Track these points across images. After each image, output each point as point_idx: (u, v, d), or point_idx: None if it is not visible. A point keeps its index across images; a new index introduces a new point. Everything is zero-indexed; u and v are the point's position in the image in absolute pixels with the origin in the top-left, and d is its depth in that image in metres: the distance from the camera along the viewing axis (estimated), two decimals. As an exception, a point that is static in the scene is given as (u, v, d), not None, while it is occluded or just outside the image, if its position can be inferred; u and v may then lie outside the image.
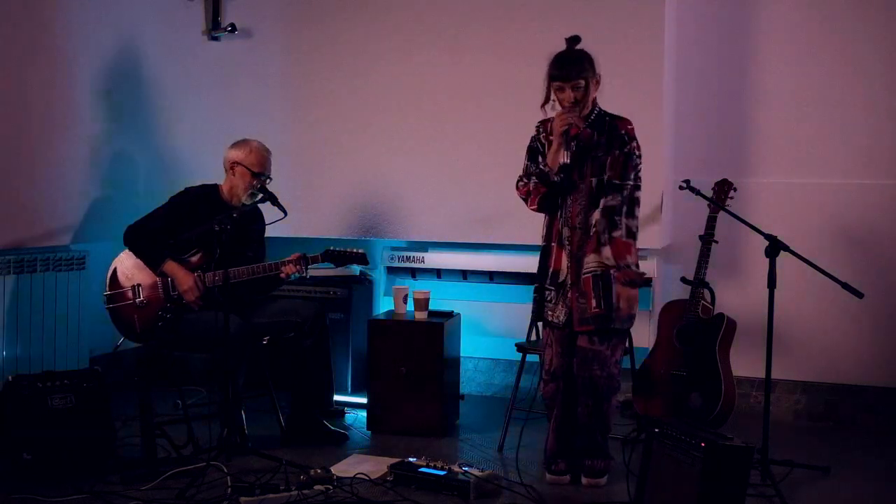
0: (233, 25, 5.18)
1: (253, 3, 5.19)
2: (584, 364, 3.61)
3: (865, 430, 4.56)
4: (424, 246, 5.15)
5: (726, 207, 4.05)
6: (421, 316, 4.46)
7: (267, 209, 4.27)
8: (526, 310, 4.48)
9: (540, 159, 3.62)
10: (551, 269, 3.64)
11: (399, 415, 4.37)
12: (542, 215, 3.71)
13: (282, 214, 4.13)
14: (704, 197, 4.05)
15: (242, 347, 4.03)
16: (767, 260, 3.69)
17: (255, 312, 4.21)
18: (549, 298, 3.65)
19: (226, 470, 3.56)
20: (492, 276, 5.02)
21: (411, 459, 3.66)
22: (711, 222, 4.17)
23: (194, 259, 4.16)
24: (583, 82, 3.50)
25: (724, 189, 4.19)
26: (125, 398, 4.32)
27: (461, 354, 4.75)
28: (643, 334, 4.66)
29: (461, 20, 4.81)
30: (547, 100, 3.59)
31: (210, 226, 3.92)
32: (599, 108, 3.63)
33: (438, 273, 5.13)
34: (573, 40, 3.56)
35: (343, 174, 5.04)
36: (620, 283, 3.53)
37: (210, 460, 3.64)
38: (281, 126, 5.10)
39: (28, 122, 4.49)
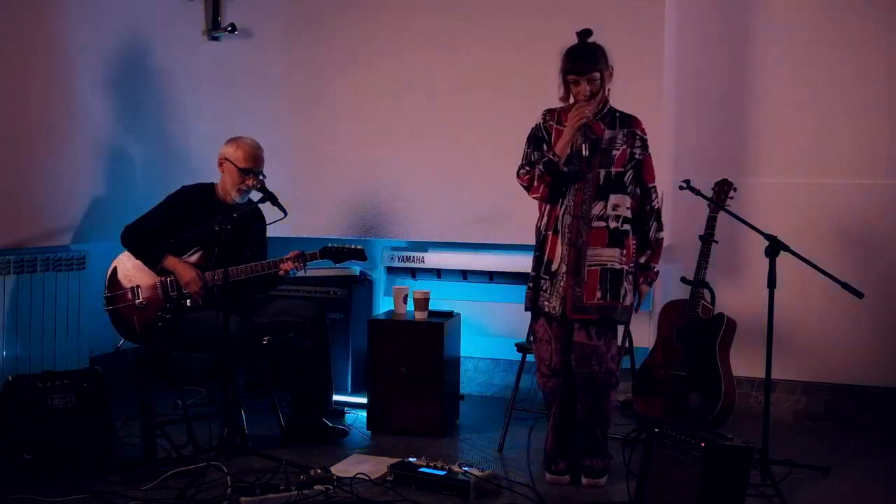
0: (233, 25, 5.18)
1: (253, 3, 5.19)
2: (583, 360, 3.61)
3: (865, 430, 4.56)
4: (424, 246, 5.15)
5: (726, 207, 4.05)
6: (421, 316, 4.46)
7: (267, 209, 4.27)
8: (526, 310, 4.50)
9: (545, 148, 3.61)
10: (546, 258, 3.64)
11: (399, 415, 4.37)
12: (537, 212, 3.72)
13: (282, 214, 4.13)
14: (704, 197, 4.05)
15: (242, 347, 4.03)
16: (767, 260, 3.69)
17: (255, 312, 4.21)
18: (544, 288, 3.65)
19: (226, 470, 3.56)
20: (492, 276, 5.02)
21: (411, 459, 3.66)
22: (711, 222, 4.17)
23: (193, 259, 4.16)
24: (598, 75, 3.51)
25: (724, 189, 4.19)
26: (125, 398, 4.32)
27: (461, 354, 4.75)
28: (643, 334, 4.66)
29: (461, 20, 4.81)
30: (566, 95, 3.59)
31: (210, 226, 3.92)
32: (611, 105, 3.64)
33: (438, 273, 5.13)
34: (585, 33, 3.57)
35: (343, 174, 5.04)
36: (645, 284, 3.68)
37: (210, 460, 3.64)
38: (281, 126, 5.10)
39: (28, 122, 4.49)
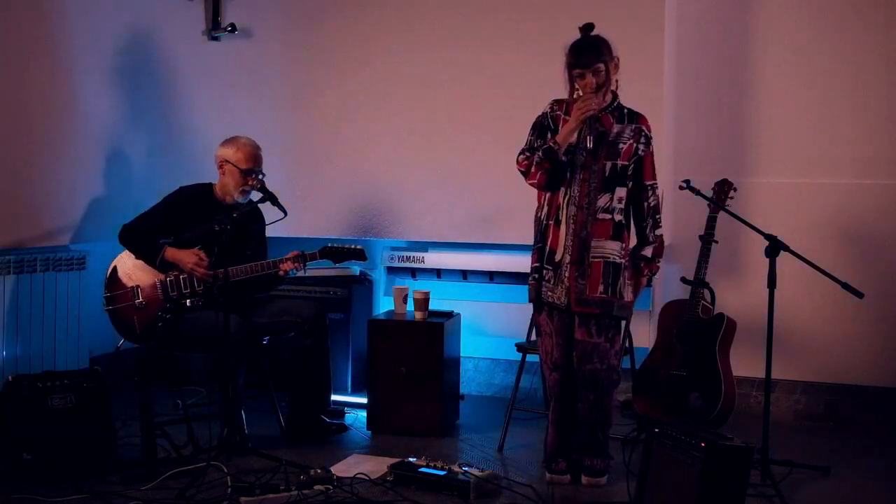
0: (233, 25, 5.18)
1: (253, 3, 5.19)
2: (584, 357, 3.61)
3: (865, 430, 4.56)
4: (424, 246, 5.15)
5: (726, 207, 4.05)
6: (421, 316, 4.46)
7: (267, 209, 4.27)
8: (526, 310, 4.49)
9: (549, 136, 3.61)
10: (548, 249, 3.64)
11: (399, 415, 4.37)
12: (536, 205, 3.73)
13: (282, 214, 4.13)
14: (704, 197, 4.05)
15: (242, 347, 4.03)
16: (767, 260, 3.69)
17: (255, 312, 4.21)
18: (546, 279, 3.65)
19: (226, 470, 3.56)
20: (492, 276, 5.02)
21: (411, 459, 3.66)
22: (711, 222, 4.17)
23: (193, 259, 4.17)
24: (602, 66, 3.52)
25: (724, 189, 4.19)
26: (125, 398, 4.32)
27: (461, 354, 4.75)
28: (643, 334, 4.66)
29: (461, 20, 4.81)
30: (573, 91, 3.59)
31: (210, 226, 3.92)
32: (619, 101, 3.65)
33: (438, 273, 5.13)
34: (587, 27, 3.58)
35: (343, 174, 5.04)
36: (647, 276, 3.69)
37: (210, 460, 3.64)
38: (281, 126, 5.10)
39: (28, 122, 4.49)
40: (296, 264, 4.15)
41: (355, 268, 4.98)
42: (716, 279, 4.39)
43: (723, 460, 2.97)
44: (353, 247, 4.23)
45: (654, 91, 4.48)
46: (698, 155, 4.81)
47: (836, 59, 4.65)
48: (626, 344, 4.22)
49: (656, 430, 3.21)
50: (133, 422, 4.12)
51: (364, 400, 4.52)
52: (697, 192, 4.03)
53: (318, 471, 3.50)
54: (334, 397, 4.61)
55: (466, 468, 3.54)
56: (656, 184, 3.68)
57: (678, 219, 4.78)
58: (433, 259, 5.09)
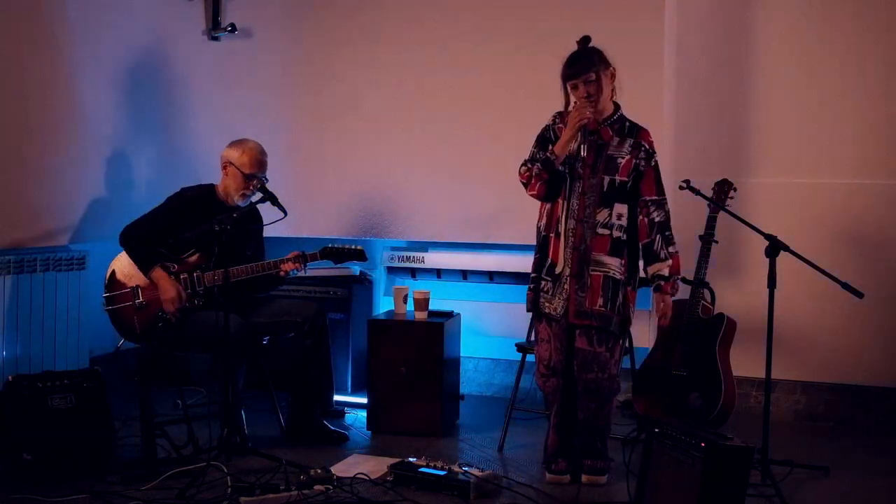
0: (233, 25, 5.18)
1: (253, 3, 5.19)
2: (585, 367, 3.61)
3: (865, 430, 4.56)
4: (424, 246, 5.15)
5: (726, 207, 4.05)
6: (421, 316, 4.46)
7: (267, 209, 4.27)
8: (526, 310, 4.49)
9: (550, 147, 3.62)
10: (549, 261, 3.65)
11: (399, 415, 4.37)
12: (536, 212, 3.73)
13: (282, 214, 4.13)
14: (704, 197, 4.05)
15: (242, 347, 4.03)
16: (767, 260, 3.69)
17: (255, 312, 4.21)
18: (545, 290, 3.65)
19: (226, 470, 3.56)
20: (492, 276, 5.03)
21: (411, 459, 3.66)
22: (711, 222, 4.17)
23: (192, 259, 4.16)
24: (594, 76, 3.52)
25: (724, 189, 4.19)
26: (125, 398, 4.32)
27: (461, 354, 4.75)
28: (643, 334, 4.66)
29: (462, 21, 4.81)
30: (568, 103, 3.61)
31: (210, 226, 3.92)
32: (622, 113, 3.65)
33: (438, 273, 5.13)
34: (584, 41, 3.59)
35: (343, 174, 5.04)
36: (668, 294, 3.61)
37: (210, 460, 3.64)
38: (281, 126, 5.10)
39: (27, 122, 4.49)
40: (296, 265, 4.15)
41: (355, 268, 4.98)
42: (716, 279, 4.39)
43: (723, 460, 2.97)
44: (353, 247, 4.23)
45: (654, 91, 4.48)
46: (698, 155, 4.81)
47: (836, 59, 4.65)
48: (626, 344, 4.22)
49: (656, 430, 3.21)
50: (133, 422, 4.12)
51: (364, 400, 4.52)
52: (697, 192, 4.03)
53: (318, 471, 3.50)
54: (335, 397, 4.61)
55: (466, 468, 3.54)
56: (663, 199, 3.62)
57: (678, 219, 4.75)
58: (433, 259, 5.10)
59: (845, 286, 3.65)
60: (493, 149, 4.72)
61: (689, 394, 4.07)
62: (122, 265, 4.19)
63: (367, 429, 4.42)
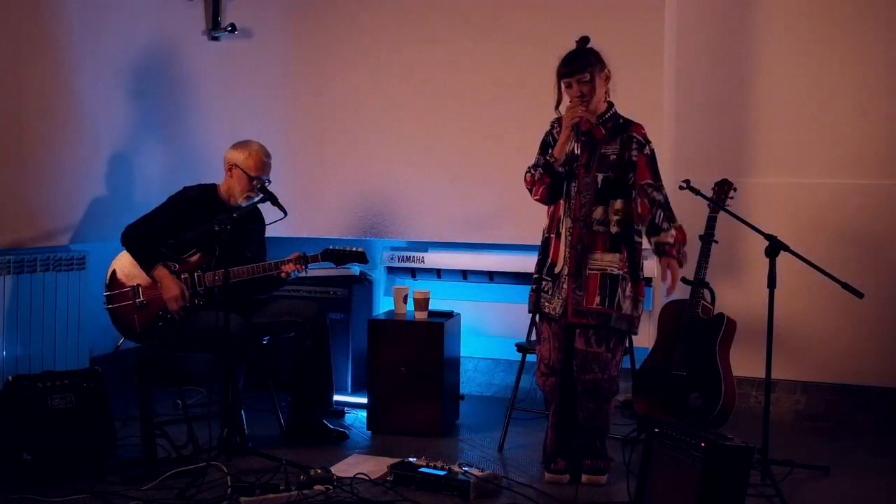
0: (233, 25, 5.18)
1: (253, 3, 5.19)
2: (584, 367, 3.61)
3: (865, 430, 4.56)
4: (424, 246, 5.15)
5: (726, 207, 4.05)
6: (421, 316, 4.46)
7: (267, 209, 4.27)
8: (526, 310, 4.49)
9: (550, 151, 3.63)
10: (549, 261, 3.66)
11: (399, 415, 4.37)
12: (543, 213, 3.73)
13: (282, 214, 4.13)
14: (704, 197, 4.05)
15: (243, 347, 4.03)
16: (767, 260, 3.69)
17: (256, 312, 4.21)
18: (545, 290, 3.66)
19: (226, 470, 3.56)
20: (492, 276, 5.03)
21: (411, 459, 3.66)
22: (711, 222, 4.17)
23: (193, 259, 4.16)
24: (588, 76, 3.53)
25: (724, 189, 4.19)
26: (125, 398, 4.32)
27: (461, 354, 4.75)
28: (643, 334, 4.65)
29: (462, 21, 4.81)
30: (559, 101, 3.62)
31: (210, 226, 3.92)
32: (615, 110, 3.65)
33: (438, 273, 5.13)
34: (582, 41, 3.61)
35: (343, 174, 5.04)
36: (674, 259, 3.54)
37: (210, 460, 3.64)
38: (281, 126, 5.10)
39: (28, 122, 4.49)
40: (297, 266, 4.15)
41: (355, 268, 4.99)
42: (716, 279, 4.39)
43: (723, 460, 2.97)
44: (354, 249, 4.24)
45: (653, 91, 4.49)
46: (698, 155, 4.81)
47: (837, 58, 4.65)
48: (626, 344, 4.22)
49: (656, 430, 3.21)
50: (133, 422, 4.12)
51: (364, 400, 4.52)
52: (697, 192, 4.03)
53: (318, 471, 3.50)
54: (335, 397, 4.61)
55: (466, 468, 3.54)
56: (660, 184, 3.62)
57: (678, 219, 4.77)
58: (433, 259, 5.10)
59: (845, 286, 3.65)
60: (493, 149, 4.72)
61: (689, 394, 4.07)
62: (123, 264, 4.19)
63: (367, 429, 4.42)
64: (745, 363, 4.39)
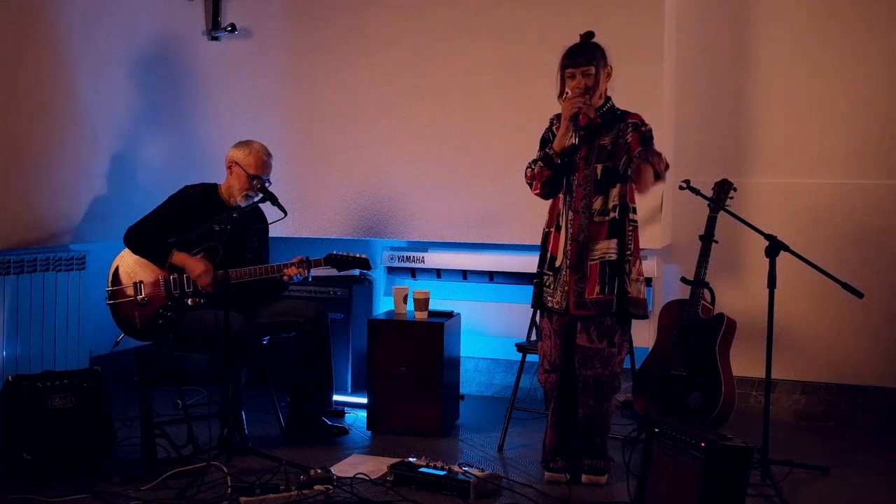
0: (233, 25, 5.18)
1: (253, 3, 5.19)
2: (585, 363, 3.61)
3: (865, 430, 4.56)
4: (424, 246, 5.15)
5: (726, 207, 4.04)
6: (421, 316, 4.46)
7: (267, 209, 4.27)
8: (526, 310, 4.50)
9: (549, 145, 3.63)
10: (549, 255, 3.66)
11: (399, 415, 4.37)
12: (543, 213, 3.73)
13: (281, 214, 4.13)
14: (704, 197, 4.05)
15: (246, 346, 4.03)
16: (767, 260, 3.69)
17: (257, 312, 4.21)
18: (547, 284, 3.66)
19: (226, 470, 3.56)
20: (492, 276, 5.03)
21: (411, 459, 3.67)
22: (711, 222, 4.17)
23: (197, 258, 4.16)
24: (593, 69, 3.54)
25: (724, 189, 4.19)
26: (125, 398, 4.32)
27: (461, 354, 4.75)
28: (643, 334, 4.66)
29: (462, 21, 4.81)
30: (562, 92, 3.62)
31: (210, 226, 3.92)
32: (612, 103, 3.66)
33: (438, 273, 5.13)
34: (587, 35, 3.62)
35: (343, 174, 5.04)
36: (650, 162, 3.44)
37: (210, 460, 3.64)
38: (281, 125, 5.10)
39: (28, 122, 4.49)
40: (300, 270, 4.15)
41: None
42: (716, 279, 4.39)
43: (723, 460, 2.97)
44: (357, 255, 4.25)
45: (654, 91, 4.49)
46: (698, 155, 4.81)
47: (837, 58, 4.65)
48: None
49: (656, 430, 3.21)
50: (133, 422, 4.13)
51: (364, 400, 4.52)
52: (697, 193, 4.03)
53: (318, 471, 3.50)
54: (334, 397, 4.61)
55: (466, 468, 3.54)
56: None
57: (678, 219, 4.78)
58: (433, 259, 5.10)
59: (845, 286, 3.65)
60: (493, 148, 4.72)
61: (689, 394, 4.07)
62: (126, 262, 4.19)
63: (367, 429, 4.42)
64: (745, 363, 4.39)
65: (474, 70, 4.79)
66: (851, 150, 4.65)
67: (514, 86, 4.68)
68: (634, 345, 4.40)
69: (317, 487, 3.41)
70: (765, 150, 4.78)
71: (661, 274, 4.82)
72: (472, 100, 4.80)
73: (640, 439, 3.85)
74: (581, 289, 3.58)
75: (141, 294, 4.13)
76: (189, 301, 4.14)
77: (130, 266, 4.17)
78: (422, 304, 4.46)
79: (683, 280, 4.25)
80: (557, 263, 3.64)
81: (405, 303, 4.55)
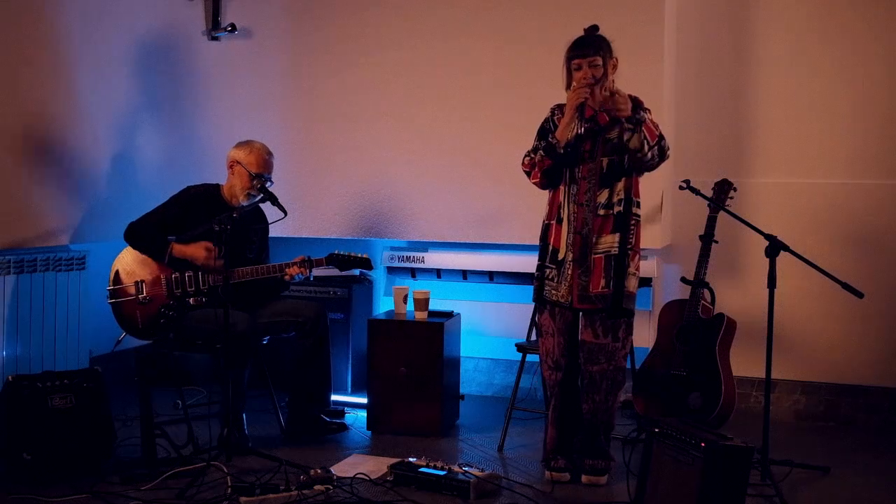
0: (233, 25, 5.18)
1: (253, 3, 5.19)
2: (591, 358, 3.61)
3: (865, 430, 4.56)
4: (424, 246, 5.15)
5: (726, 207, 4.05)
6: (421, 316, 4.46)
7: (267, 209, 4.27)
8: (526, 310, 4.50)
9: (551, 134, 3.62)
10: (551, 247, 3.65)
11: (399, 415, 4.37)
12: (543, 213, 3.73)
13: (281, 214, 4.13)
14: (704, 197, 4.05)
15: (249, 345, 4.03)
16: (767, 260, 3.69)
17: (257, 312, 4.21)
18: (550, 277, 3.65)
19: (226, 470, 3.56)
20: (492, 276, 5.03)
21: (411, 459, 3.67)
22: (711, 222, 4.17)
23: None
24: (600, 59, 3.53)
25: (724, 189, 4.19)
26: (125, 398, 4.32)
27: (461, 354, 4.75)
28: (643, 334, 4.66)
29: (462, 21, 4.81)
30: (569, 84, 3.61)
31: (210, 225, 3.92)
32: None
33: (438, 273, 5.13)
34: (592, 29, 3.62)
35: (343, 174, 5.04)
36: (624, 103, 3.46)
37: (210, 460, 3.64)
38: (281, 125, 5.10)
39: (28, 121, 4.49)
40: (302, 269, 4.15)
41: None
42: (716, 279, 4.39)
43: (723, 460, 2.97)
44: (359, 255, 4.25)
45: (653, 91, 4.47)
46: (698, 155, 4.81)
47: (836, 58, 4.65)
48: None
49: (656, 430, 3.21)
50: (133, 422, 4.13)
51: (364, 400, 4.52)
52: (697, 193, 4.03)
53: (318, 471, 3.50)
54: (334, 397, 4.62)
55: (466, 468, 3.54)
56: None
57: (678, 218, 4.78)
58: (433, 259, 5.10)
59: (845, 286, 3.65)
60: (493, 148, 4.72)
61: (689, 394, 4.07)
62: (125, 263, 4.19)
63: (367, 429, 4.42)
64: (745, 363, 4.39)
65: (474, 70, 4.79)
66: (852, 149, 4.65)
67: (514, 86, 4.68)
68: (634, 345, 4.39)
69: (317, 487, 3.41)
70: (765, 150, 4.78)
71: (661, 274, 4.82)
72: (472, 100, 4.80)
73: (640, 439, 3.85)
74: (585, 282, 3.57)
75: (142, 293, 4.14)
76: (191, 300, 4.14)
77: (130, 266, 4.18)
78: (422, 304, 4.46)
79: (683, 280, 4.25)
80: (560, 256, 3.62)
81: (405, 303, 4.55)
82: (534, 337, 4.37)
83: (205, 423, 4.05)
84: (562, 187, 3.63)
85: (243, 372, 4.08)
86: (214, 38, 5.26)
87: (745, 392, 4.70)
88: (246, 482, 3.44)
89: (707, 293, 4.20)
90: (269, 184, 4.24)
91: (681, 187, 4.08)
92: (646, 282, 4.64)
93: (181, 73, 5.31)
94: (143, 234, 4.15)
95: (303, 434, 4.23)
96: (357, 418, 4.62)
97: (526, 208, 4.52)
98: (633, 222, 3.60)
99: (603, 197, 3.58)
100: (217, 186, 4.32)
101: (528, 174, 3.66)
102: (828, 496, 3.64)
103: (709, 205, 4.13)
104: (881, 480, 3.83)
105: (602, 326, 3.60)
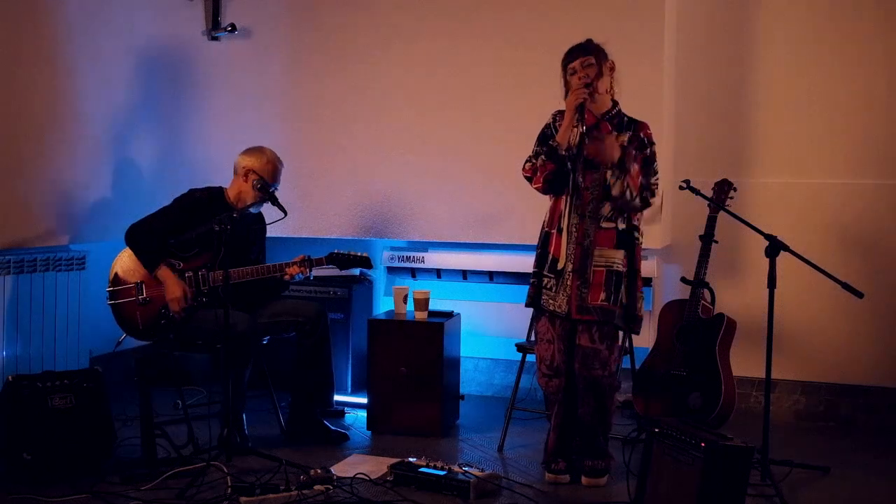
0: (233, 25, 5.18)
1: (253, 3, 5.19)
2: (586, 363, 3.61)
3: (865, 430, 4.56)
4: (424, 246, 5.15)
5: (726, 207, 4.05)
6: (421, 316, 4.46)
7: (267, 209, 4.27)
8: (526, 310, 4.49)
9: (553, 138, 3.62)
10: (550, 257, 3.65)
11: (399, 415, 4.37)
12: (543, 213, 3.73)
13: (282, 214, 4.13)
14: (704, 197, 4.05)
15: (250, 345, 4.03)
16: (767, 260, 3.69)
17: (258, 312, 4.21)
18: (548, 286, 3.65)
19: (226, 470, 3.56)
20: (492, 276, 5.03)
21: (411, 459, 3.67)
22: (711, 222, 4.17)
23: (199, 258, 4.16)
24: (593, 59, 3.55)
25: (724, 189, 4.19)
26: (125, 398, 4.32)
27: (461, 354, 4.75)
28: (643, 334, 4.65)
29: (462, 21, 4.81)
30: (567, 93, 3.61)
31: (210, 226, 3.92)
32: (620, 108, 3.66)
33: (438, 273, 5.13)
34: (585, 41, 3.63)
35: (343, 174, 5.04)
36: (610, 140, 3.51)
37: (210, 460, 3.64)
38: (281, 126, 5.10)
39: (28, 122, 4.49)
40: (302, 269, 4.14)
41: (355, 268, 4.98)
42: (716, 279, 4.39)
43: (723, 460, 2.97)
44: (359, 254, 4.25)
45: (654, 91, 4.48)
46: (698, 155, 4.81)
47: (836, 58, 4.65)
48: (626, 344, 4.23)
49: (656, 430, 3.21)
50: (133, 422, 4.13)
51: (364, 400, 4.52)
52: (697, 193, 4.03)
53: (318, 471, 3.50)
54: (336, 397, 4.61)
55: (466, 468, 3.54)
56: (650, 184, 3.62)
57: (678, 219, 4.78)
58: (433, 259, 5.10)
59: (845, 286, 3.65)
60: (493, 149, 4.72)
61: (689, 394, 4.07)
62: (124, 264, 4.18)
63: (367, 429, 4.42)
64: (745, 363, 4.39)
65: (475, 70, 4.79)
66: (852, 150, 4.65)
67: (514, 86, 4.68)
68: (634, 345, 4.40)
69: (317, 487, 3.41)
70: (765, 150, 4.78)
71: (661, 274, 4.82)
72: (472, 100, 4.80)
73: (640, 439, 3.86)
74: (584, 294, 3.58)
75: (142, 294, 4.13)
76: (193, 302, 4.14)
77: (129, 267, 4.17)
78: (422, 304, 4.46)
79: (683, 280, 4.25)
80: (560, 266, 3.62)
81: (405, 303, 4.55)
82: (533, 337, 4.37)
83: (205, 423, 4.05)
84: (563, 197, 3.61)
85: (243, 372, 4.08)
86: (214, 38, 5.26)
87: (745, 392, 4.70)
88: (246, 482, 3.44)
89: (707, 293, 4.20)
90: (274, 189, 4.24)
91: (681, 187, 4.08)
92: (646, 282, 4.64)
93: (181, 73, 5.31)
94: (143, 242, 4.12)
95: (303, 435, 4.23)
96: (357, 418, 4.62)
97: (526, 208, 4.52)
98: (638, 243, 3.62)
99: (606, 209, 3.58)
100: (220, 189, 4.30)
101: (530, 179, 3.65)
102: (828, 496, 3.65)
103: (709, 205, 4.13)
104: (881, 480, 3.84)
105: (599, 332, 3.60)
